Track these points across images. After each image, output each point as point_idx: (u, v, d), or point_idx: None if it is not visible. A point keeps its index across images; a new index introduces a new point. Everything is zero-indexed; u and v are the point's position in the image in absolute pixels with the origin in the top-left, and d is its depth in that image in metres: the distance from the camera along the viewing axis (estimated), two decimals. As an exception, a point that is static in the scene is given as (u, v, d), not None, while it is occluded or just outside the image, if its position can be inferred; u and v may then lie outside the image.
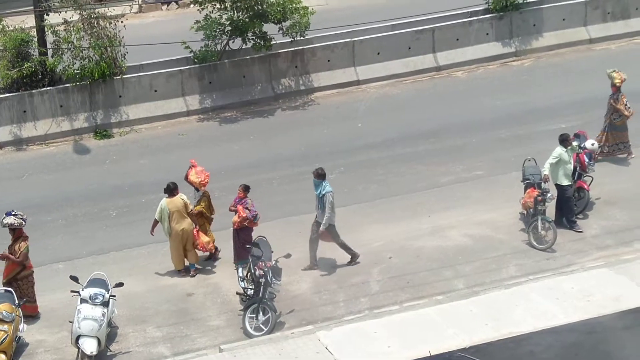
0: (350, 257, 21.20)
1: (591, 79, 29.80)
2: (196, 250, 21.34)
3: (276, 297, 19.23)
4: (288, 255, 19.49)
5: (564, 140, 22.03)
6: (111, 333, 18.96)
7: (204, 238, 21.29)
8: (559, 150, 21.90)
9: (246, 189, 21.02)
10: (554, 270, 19.81)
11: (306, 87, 30.64)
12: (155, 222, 21.03)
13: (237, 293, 19.95)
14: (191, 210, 21.05)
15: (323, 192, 20.61)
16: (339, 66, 31.05)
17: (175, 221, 20.81)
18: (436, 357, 15.04)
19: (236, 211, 20.78)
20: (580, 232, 21.86)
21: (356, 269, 21.01)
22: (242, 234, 20.85)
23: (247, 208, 20.66)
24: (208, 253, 21.66)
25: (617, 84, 24.07)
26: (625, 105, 24.26)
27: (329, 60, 30.94)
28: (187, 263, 21.36)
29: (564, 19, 33.02)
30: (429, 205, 23.56)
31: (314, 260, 21.06)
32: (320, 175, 20.79)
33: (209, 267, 21.55)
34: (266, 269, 18.96)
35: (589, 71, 30.71)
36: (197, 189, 21.47)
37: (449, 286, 20.06)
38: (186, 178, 21.67)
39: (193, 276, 21.20)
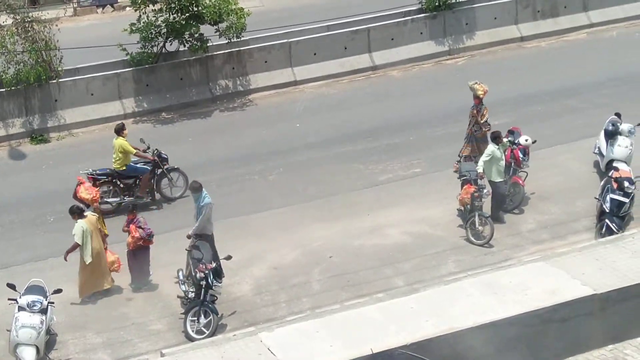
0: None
1: (523, 76, 30.38)
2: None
3: (217, 299, 19.25)
4: (228, 257, 19.54)
5: (496, 138, 22.39)
6: (50, 341, 18.81)
7: (110, 257, 20.73)
8: (491, 147, 22.25)
9: (134, 208, 20.76)
10: (492, 265, 20.03)
11: (244, 88, 30.69)
12: (76, 246, 20.04)
13: (178, 296, 19.94)
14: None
15: (202, 204, 20.25)
16: (276, 67, 31.17)
17: (95, 240, 20.11)
18: (378, 354, 15.15)
19: (129, 232, 20.38)
20: (503, 222, 22.27)
21: (297, 269, 21.13)
22: (139, 254, 20.45)
23: (140, 227, 20.26)
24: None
25: (480, 96, 24.04)
26: (487, 120, 24.26)
27: (266, 62, 31.04)
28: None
29: (495, 18, 33.50)
30: (367, 203, 23.76)
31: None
32: (195, 189, 20.41)
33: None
34: (207, 272, 18.98)
35: (520, 69, 31.25)
36: (88, 206, 20.79)
37: (389, 284, 20.25)
38: (75, 195, 21.18)
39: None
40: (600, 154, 23.93)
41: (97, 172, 23.79)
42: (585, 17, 34.32)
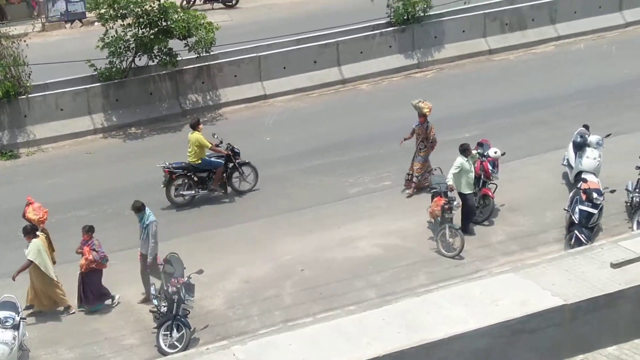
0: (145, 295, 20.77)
1: (492, 89, 30.60)
2: None
3: (190, 313, 19.24)
4: (200, 271, 19.53)
5: (465, 150, 22.51)
6: (22, 356, 18.73)
7: None
8: (460, 159, 22.37)
9: (90, 229, 20.49)
10: (463, 277, 20.12)
11: (214, 102, 30.75)
12: (27, 266, 20.00)
13: (151, 310, 19.91)
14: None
15: (147, 222, 20.22)
16: (246, 81, 31.26)
17: (49, 258, 20.21)
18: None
19: (82, 254, 20.26)
20: (473, 234, 22.43)
21: (269, 283, 21.15)
22: (91, 277, 20.31)
23: (94, 250, 20.16)
24: None
25: (427, 114, 24.10)
26: (433, 137, 24.34)
27: (235, 76, 31.11)
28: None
29: (464, 31, 33.73)
30: (338, 216, 23.85)
31: (148, 294, 20.43)
32: (137, 209, 20.36)
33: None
34: (179, 286, 18.98)
35: (489, 81, 31.48)
36: (36, 227, 20.69)
37: (361, 296, 20.29)
38: (24, 216, 21.19)
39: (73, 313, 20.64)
40: (569, 165, 24.12)
41: (173, 165, 24.57)
42: (553, 30, 34.63)
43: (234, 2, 40.11)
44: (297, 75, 31.75)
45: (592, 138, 23.80)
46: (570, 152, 24.12)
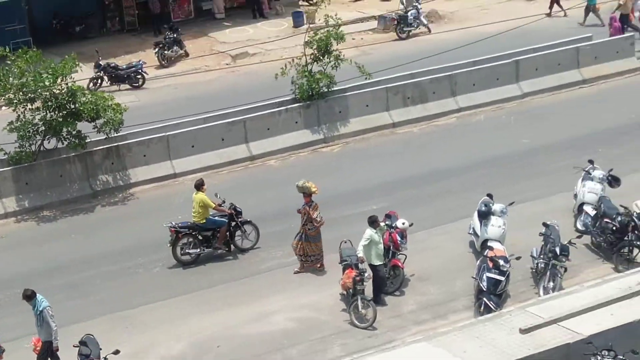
0: None
1: (397, 161, 31.17)
2: None
3: (109, 395, 19.27)
4: (116, 352, 19.53)
5: (373, 222, 22.97)
6: None
7: None
8: (369, 232, 22.82)
9: None
10: (377, 348, 20.47)
11: (124, 182, 30.74)
12: None
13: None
14: None
15: (40, 309, 20.28)
16: (155, 160, 31.33)
17: None
18: None
19: None
20: (385, 305, 22.80)
21: (186, 361, 21.29)
22: None
23: None
24: None
25: (315, 193, 24.60)
26: (319, 216, 24.68)
27: (144, 155, 31.20)
28: None
29: (367, 105, 34.25)
30: (252, 292, 24.05)
31: None
32: (28, 297, 20.42)
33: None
34: (96, 367, 19.02)
35: (394, 154, 32.04)
36: None
37: (277, 370, 20.56)
38: None
39: None
40: (475, 234, 24.74)
41: (180, 225, 25.68)
42: (454, 102, 35.40)
43: (140, 82, 40.36)
44: (206, 153, 31.90)
45: (496, 206, 24.50)
46: (475, 221, 24.76)
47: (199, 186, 25.73)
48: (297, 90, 33.52)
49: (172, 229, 25.51)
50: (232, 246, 26.10)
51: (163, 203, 29.70)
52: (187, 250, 25.71)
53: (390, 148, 32.73)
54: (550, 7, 46.57)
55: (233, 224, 26.02)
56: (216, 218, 25.86)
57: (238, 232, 26.17)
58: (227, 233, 25.87)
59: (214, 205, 25.67)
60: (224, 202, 26.13)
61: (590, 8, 44.16)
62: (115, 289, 24.55)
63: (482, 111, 35.35)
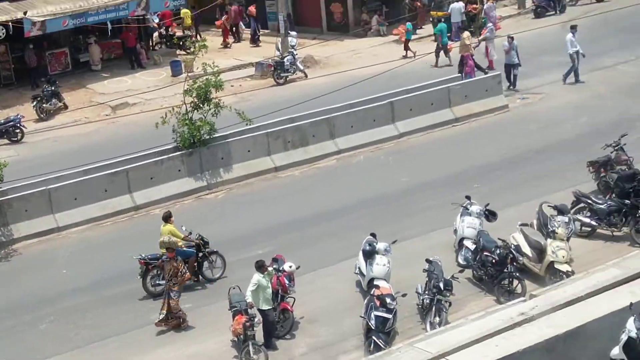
0: None
1: (280, 205, 31.47)
2: None
3: None
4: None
5: (261, 267, 23.17)
6: None
7: None
8: (257, 276, 23.00)
9: None
10: (270, 392, 20.78)
11: (6, 239, 30.24)
12: None
13: None
14: None
15: None
16: (37, 215, 30.94)
17: None
18: None
19: None
20: (276, 349, 23.01)
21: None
22: None
23: None
24: None
25: (181, 246, 25.94)
26: (184, 270, 24.79)
27: (26, 210, 30.80)
28: None
29: (249, 151, 34.53)
30: (142, 343, 23.98)
31: None
32: None
33: None
34: None
35: (277, 198, 32.33)
36: None
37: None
38: None
39: None
40: (361, 273, 25.10)
41: (149, 257, 26.07)
42: (333, 145, 35.89)
43: (19, 137, 39.99)
44: (89, 205, 31.67)
45: (380, 245, 24.95)
46: (361, 261, 25.17)
47: (167, 218, 26.45)
48: (178, 139, 33.58)
49: (142, 261, 25.99)
50: (199, 277, 26.66)
51: (47, 257, 29.41)
52: (157, 282, 26.03)
53: (273, 192, 33.04)
54: (405, 50, 48.12)
55: (200, 254, 26.61)
56: (185, 249, 26.26)
57: (205, 263, 26.77)
58: (195, 264, 26.31)
59: (182, 236, 26.29)
60: (190, 233, 26.76)
61: (443, 48, 45.52)
62: (9, 346, 24.22)
63: (361, 152, 35.91)
